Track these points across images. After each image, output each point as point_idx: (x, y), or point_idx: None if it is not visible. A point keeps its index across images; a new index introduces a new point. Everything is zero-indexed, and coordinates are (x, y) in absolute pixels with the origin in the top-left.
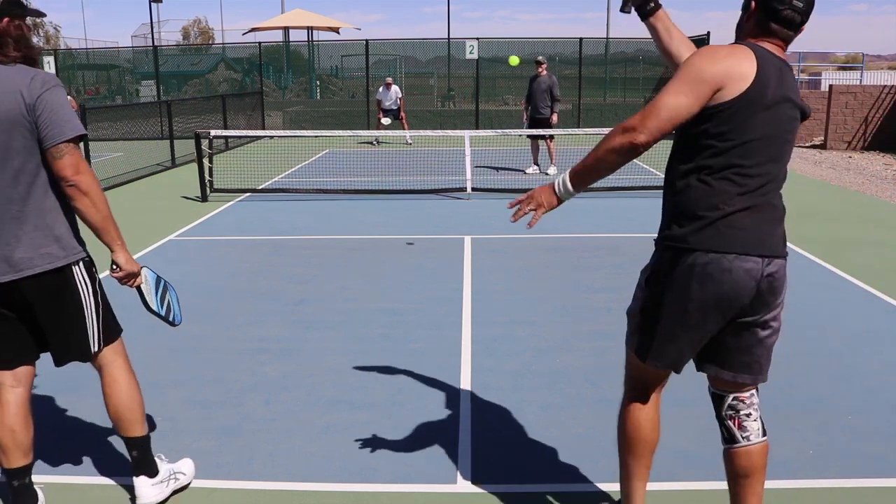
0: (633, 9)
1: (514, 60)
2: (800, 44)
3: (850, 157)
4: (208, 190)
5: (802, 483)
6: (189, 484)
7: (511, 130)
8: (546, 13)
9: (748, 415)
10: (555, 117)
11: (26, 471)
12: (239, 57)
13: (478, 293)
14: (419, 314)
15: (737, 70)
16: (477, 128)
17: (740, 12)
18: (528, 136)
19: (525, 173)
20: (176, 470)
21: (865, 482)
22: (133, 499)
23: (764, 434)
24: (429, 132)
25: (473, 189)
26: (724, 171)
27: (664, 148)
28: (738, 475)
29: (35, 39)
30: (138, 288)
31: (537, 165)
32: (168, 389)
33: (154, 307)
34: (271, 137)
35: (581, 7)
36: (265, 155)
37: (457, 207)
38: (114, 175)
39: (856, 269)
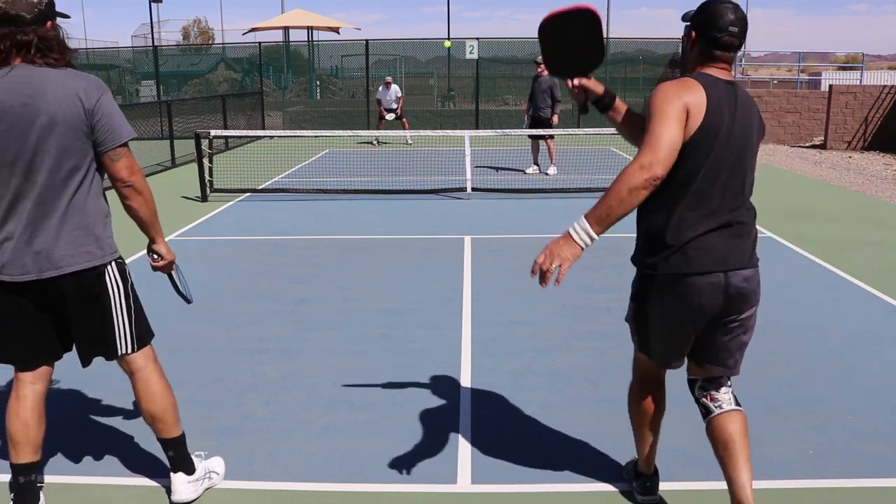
0: (590, 107)
1: (446, 44)
2: (800, 44)
3: (850, 157)
4: (208, 190)
5: (802, 483)
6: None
7: (511, 130)
8: (546, 13)
9: (717, 389)
10: (555, 118)
11: (33, 468)
12: (239, 57)
13: (478, 293)
14: (419, 314)
15: (692, 102)
16: (477, 128)
17: (683, 41)
18: (529, 136)
19: (525, 173)
20: (210, 469)
21: (865, 482)
22: (133, 498)
23: (737, 404)
24: (429, 132)
25: (473, 189)
26: (690, 199)
27: None
28: (721, 445)
29: None
30: (169, 274)
31: (537, 165)
32: None
33: (182, 290)
34: (271, 137)
35: None
36: (265, 155)
37: (457, 207)
38: None
39: (856, 269)
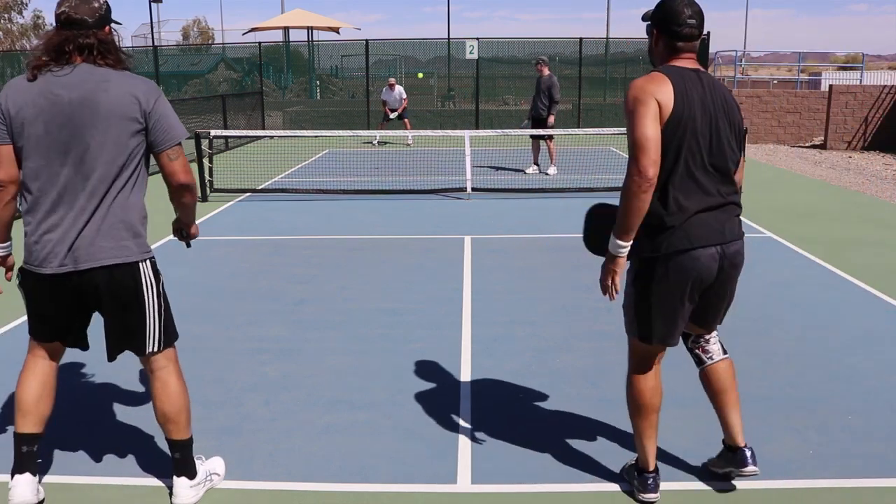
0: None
1: (420, 75)
2: (800, 44)
3: (850, 157)
4: (208, 190)
5: (802, 483)
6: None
7: (511, 130)
8: (546, 13)
9: (707, 341)
10: (551, 118)
11: (36, 439)
12: (239, 57)
13: (478, 293)
14: (419, 314)
15: (661, 95)
16: (477, 128)
17: (647, 38)
18: (531, 136)
19: (525, 173)
20: (211, 471)
21: (865, 482)
22: (133, 498)
23: (724, 353)
24: (429, 132)
25: (473, 189)
26: (681, 183)
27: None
28: (714, 390)
29: (35, 40)
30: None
31: (537, 165)
32: None
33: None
34: (271, 137)
35: (581, 7)
36: (265, 155)
37: (457, 207)
38: None
39: (856, 269)
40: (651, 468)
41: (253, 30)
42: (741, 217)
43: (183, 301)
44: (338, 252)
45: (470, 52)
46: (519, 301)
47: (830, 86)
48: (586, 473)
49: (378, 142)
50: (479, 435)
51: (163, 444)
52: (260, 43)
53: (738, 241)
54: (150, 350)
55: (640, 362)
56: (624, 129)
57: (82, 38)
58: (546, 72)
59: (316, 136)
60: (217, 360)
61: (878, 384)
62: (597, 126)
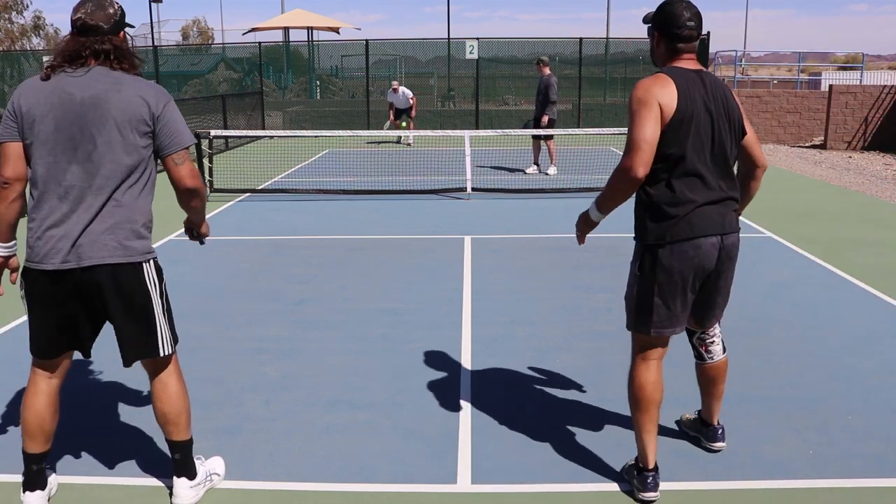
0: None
1: (385, 126)
2: (800, 44)
3: (850, 157)
4: (208, 190)
5: (802, 483)
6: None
7: (511, 130)
8: (546, 13)
9: (712, 342)
10: (544, 118)
11: (44, 457)
12: (239, 57)
13: (478, 293)
14: (419, 314)
15: (664, 97)
16: (477, 128)
17: (649, 40)
18: (532, 136)
19: (525, 173)
20: (211, 471)
21: (865, 482)
22: (133, 498)
23: (724, 352)
24: (429, 132)
25: (473, 189)
26: (682, 177)
27: None
28: (706, 383)
29: (35, 40)
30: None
31: (537, 165)
32: None
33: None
34: (271, 137)
35: (581, 7)
36: (265, 155)
37: (457, 207)
38: None
39: (856, 269)
40: (651, 466)
41: (253, 30)
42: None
43: (183, 301)
44: (338, 252)
45: (470, 52)
46: (519, 301)
47: (830, 86)
48: (586, 473)
49: (401, 139)
50: (478, 435)
51: (163, 445)
52: (260, 43)
53: (735, 233)
54: (164, 352)
55: (642, 356)
56: (623, 130)
57: (98, 43)
58: (546, 71)
59: (316, 136)
60: (217, 360)
61: (878, 384)
62: (597, 126)
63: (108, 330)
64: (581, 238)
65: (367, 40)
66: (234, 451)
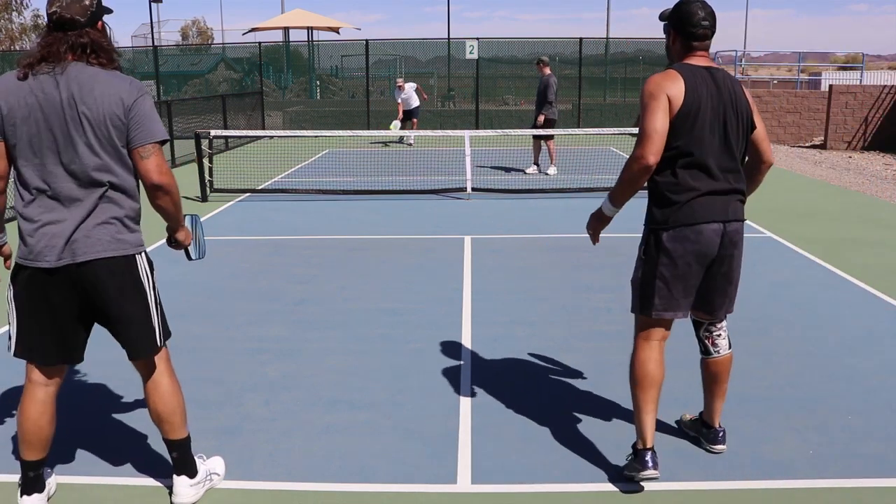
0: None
1: (393, 126)
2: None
3: (850, 157)
4: (208, 190)
5: (802, 483)
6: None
7: (511, 130)
8: (546, 13)
9: (718, 335)
10: (540, 118)
11: (42, 463)
12: (239, 57)
13: (478, 293)
14: (419, 314)
15: (672, 90)
16: (477, 128)
17: (664, 39)
18: (532, 136)
19: (525, 173)
20: (211, 471)
21: (865, 482)
22: (133, 498)
23: (729, 347)
24: (429, 132)
25: (473, 189)
26: (687, 167)
27: None
28: (711, 379)
29: (35, 39)
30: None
31: (537, 165)
32: None
33: (195, 257)
34: (271, 137)
35: (581, 7)
36: (265, 155)
37: (457, 207)
38: None
39: (856, 269)
40: (649, 445)
41: (253, 30)
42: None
43: (183, 301)
44: (338, 252)
45: (470, 52)
46: (519, 301)
47: (830, 86)
48: (586, 473)
49: (405, 141)
50: (479, 435)
51: (162, 444)
52: (260, 43)
53: (738, 222)
54: (159, 344)
55: (644, 336)
56: (624, 130)
57: (75, 37)
58: (546, 71)
59: (316, 136)
60: (217, 360)
61: (878, 384)
62: (597, 126)
63: (105, 330)
64: (595, 237)
65: (367, 40)
66: (234, 451)
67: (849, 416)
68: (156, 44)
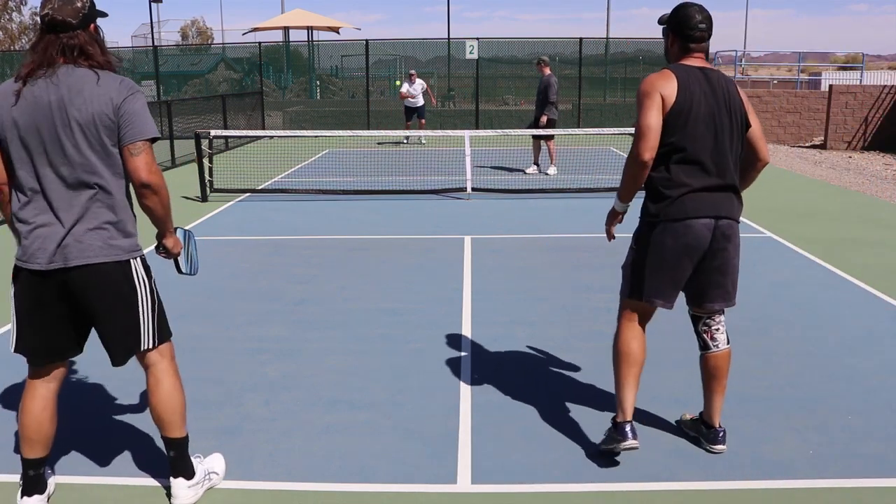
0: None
1: (398, 83)
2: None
3: (850, 157)
4: (208, 190)
5: (802, 483)
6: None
7: (511, 130)
8: (546, 13)
9: (717, 329)
10: (543, 118)
11: (43, 462)
12: (239, 57)
13: (478, 293)
14: (419, 314)
15: (666, 89)
16: (477, 128)
17: (663, 40)
18: (532, 136)
19: (525, 173)
20: (210, 470)
21: (865, 482)
22: (133, 498)
23: (727, 343)
24: (429, 132)
25: (473, 189)
26: (680, 164)
27: None
28: (710, 375)
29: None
30: (175, 259)
31: (537, 165)
32: None
33: (185, 271)
34: (271, 137)
35: (581, 7)
36: (265, 155)
37: (457, 207)
38: None
39: (856, 269)
40: (628, 418)
41: (253, 30)
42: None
43: (183, 301)
44: (338, 252)
45: (470, 52)
46: (519, 301)
47: (830, 86)
48: (586, 473)
49: (408, 139)
50: (479, 435)
51: (163, 444)
52: (260, 43)
53: (730, 219)
54: (146, 346)
55: (629, 318)
56: (624, 130)
57: (66, 39)
58: (547, 71)
59: (316, 136)
60: (217, 360)
61: (878, 384)
62: (597, 126)
63: None
64: (609, 231)
65: (367, 40)
66: (234, 451)
67: (849, 416)
68: (156, 44)
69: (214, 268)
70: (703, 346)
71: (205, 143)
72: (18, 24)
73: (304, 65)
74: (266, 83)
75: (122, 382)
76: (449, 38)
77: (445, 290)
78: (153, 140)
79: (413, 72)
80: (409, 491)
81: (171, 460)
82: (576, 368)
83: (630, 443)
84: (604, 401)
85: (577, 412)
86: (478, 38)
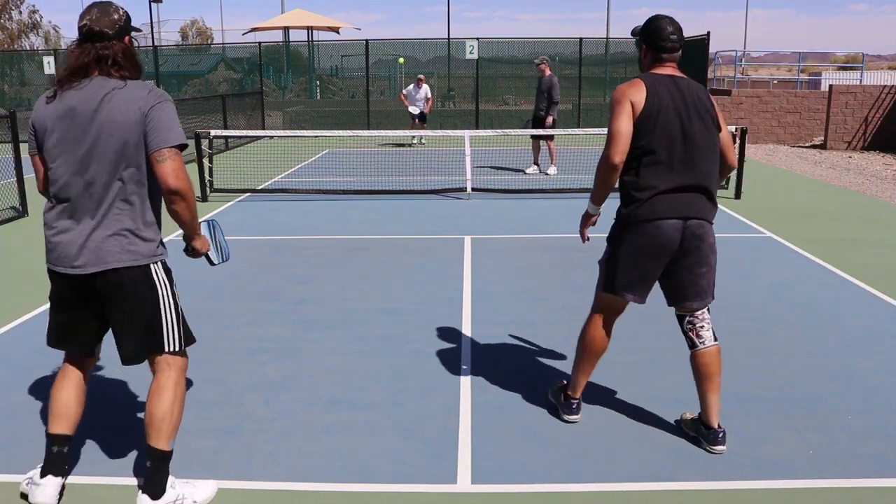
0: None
1: (400, 60)
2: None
3: (850, 157)
4: (208, 190)
5: (802, 483)
6: None
7: (511, 130)
8: (546, 13)
9: (702, 327)
10: (549, 119)
11: (66, 441)
12: (239, 57)
13: (478, 293)
14: (419, 314)
15: (635, 97)
16: (477, 128)
17: (637, 52)
18: (531, 136)
19: (525, 173)
20: (185, 497)
21: (865, 482)
22: (133, 498)
23: (715, 340)
24: (429, 132)
25: (473, 189)
26: (649, 166)
27: None
28: (700, 373)
29: (34, 39)
30: (206, 254)
31: (537, 165)
32: None
33: (217, 261)
34: (271, 137)
35: (581, 7)
36: (265, 155)
37: (457, 207)
38: None
39: (856, 269)
40: (578, 395)
41: (253, 30)
42: (718, 205)
43: (183, 301)
44: (338, 252)
45: (470, 52)
46: (519, 301)
47: (830, 86)
48: (586, 473)
49: (417, 139)
50: (479, 435)
51: None
52: (260, 43)
53: (700, 220)
54: (169, 349)
55: (600, 312)
56: None
57: (101, 49)
58: (547, 72)
59: (316, 136)
60: (217, 360)
61: (878, 384)
62: (597, 126)
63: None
64: (583, 233)
65: (367, 40)
66: (234, 451)
67: (849, 416)
68: (156, 44)
69: (214, 268)
70: (691, 345)
71: (205, 143)
72: (18, 23)
73: (304, 65)
74: (266, 83)
75: (123, 383)
76: (449, 38)
77: (445, 290)
78: (182, 147)
79: (422, 76)
80: (409, 491)
81: (146, 472)
82: None
83: (575, 417)
84: (603, 400)
85: None
86: (478, 38)
